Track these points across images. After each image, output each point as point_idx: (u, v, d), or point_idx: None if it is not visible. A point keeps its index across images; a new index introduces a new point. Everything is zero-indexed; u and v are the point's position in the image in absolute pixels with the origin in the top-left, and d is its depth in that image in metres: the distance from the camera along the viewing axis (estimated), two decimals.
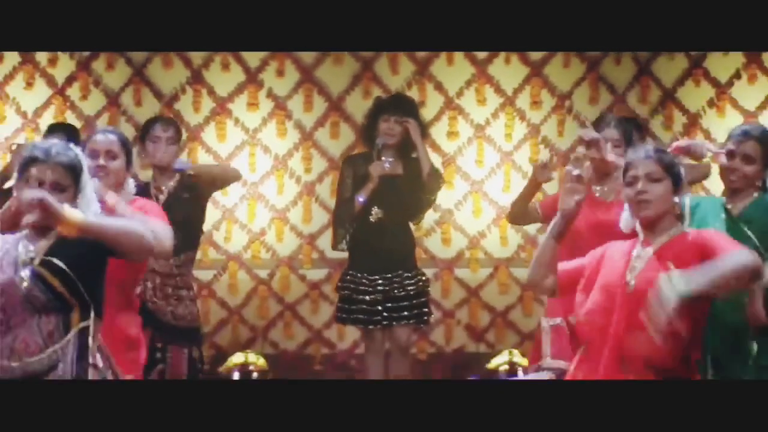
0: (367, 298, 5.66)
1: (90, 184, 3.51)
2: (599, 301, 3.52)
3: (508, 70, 6.93)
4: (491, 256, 6.96)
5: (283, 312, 6.95)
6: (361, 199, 5.65)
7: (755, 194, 4.14)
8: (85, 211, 3.37)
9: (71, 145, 3.45)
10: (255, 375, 6.34)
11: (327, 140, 6.92)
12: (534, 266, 3.64)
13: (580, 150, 4.90)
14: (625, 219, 3.64)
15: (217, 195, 6.53)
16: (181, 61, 6.88)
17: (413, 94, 6.73)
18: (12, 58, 6.78)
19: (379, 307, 5.66)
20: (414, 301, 5.70)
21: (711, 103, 6.82)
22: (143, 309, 4.56)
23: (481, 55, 6.91)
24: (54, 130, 5.61)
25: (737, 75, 6.86)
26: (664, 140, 6.45)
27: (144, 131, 5.42)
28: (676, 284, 3.28)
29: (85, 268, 3.33)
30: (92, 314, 3.35)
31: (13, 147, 5.21)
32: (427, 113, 6.61)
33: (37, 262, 3.31)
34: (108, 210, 3.86)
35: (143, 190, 4.84)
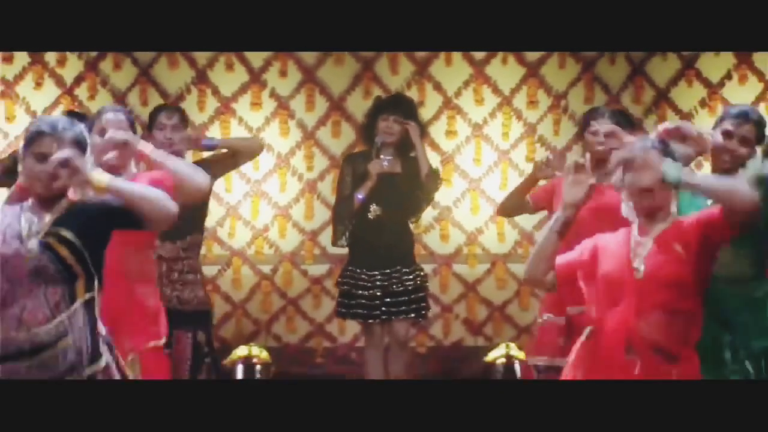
0: (367, 293, 5.69)
1: (91, 160, 3.48)
2: (605, 290, 3.55)
3: (505, 70, 6.93)
4: (489, 252, 6.96)
5: (285, 306, 6.95)
6: (360, 196, 5.67)
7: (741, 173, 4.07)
8: (85, 187, 3.35)
9: (76, 120, 3.43)
10: (258, 367, 6.34)
11: (328, 139, 6.92)
12: (534, 262, 3.63)
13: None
14: (629, 207, 3.64)
15: (221, 192, 6.67)
16: (186, 62, 6.86)
17: (412, 93, 6.72)
18: (22, 58, 6.77)
19: (378, 302, 5.67)
20: (412, 296, 5.72)
21: (703, 103, 6.84)
22: None
23: (479, 55, 6.90)
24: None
25: (728, 75, 6.85)
26: None
27: (150, 121, 5.41)
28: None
29: (91, 239, 3.32)
30: (96, 285, 3.33)
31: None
32: (426, 113, 6.63)
33: (44, 232, 3.29)
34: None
35: None
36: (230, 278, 6.89)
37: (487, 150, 6.94)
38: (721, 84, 6.87)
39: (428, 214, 6.49)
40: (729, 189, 3.53)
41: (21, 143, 3.42)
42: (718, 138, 4.06)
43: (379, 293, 5.67)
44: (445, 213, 6.91)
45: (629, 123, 5.27)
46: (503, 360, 6.39)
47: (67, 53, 6.79)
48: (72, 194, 3.37)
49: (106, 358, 3.33)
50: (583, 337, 3.64)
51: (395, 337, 5.76)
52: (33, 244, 3.27)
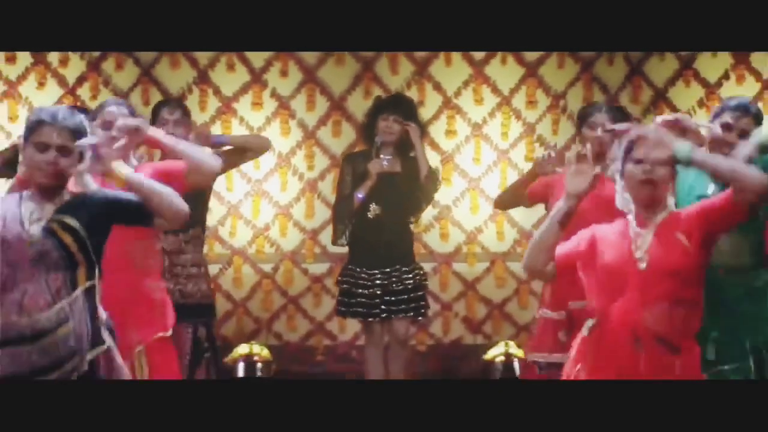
0: (366, 291, 5.70)
1: (88, 152, 3.47)
2: (606, 281, 3.54)
3: (505, 70, 6.94)
4: (488, 251, 6.98)
5: (286, 305, 6.97)
6: (359, 195, 5.68)
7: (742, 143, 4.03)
8: (85, 177, 3.42)
9: (76, 110, 3.45)
10: (259, 365, 6.29)
11: (329, 138, 6.93)
12: (534, 253, 3.58)
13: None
14: (625, 199, 3.61)
15: (222, 191, 6.69)
16: (188, 62, 6.86)
17: (412, 93, 6.73)
18: (24, 59, 6.78)
19: (378, 301, 5.68)
20: (412, 295, 5.73)
21: (701, 103, 6.84)
22: None
23: (479, 56, 6.91)
24: None
25: (726, 75, 6.86)
26: None
27: (153, 116, 5.42)
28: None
29: (93, 229, 3.35)
30: (97, 273, 3.36)
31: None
32: (425, 112, 6.65)
33: (48, 219, 3.31)
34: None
35: None
36: (231, 277, 6.89)
37: (486, 149, 6.95)
38: (719, 84, 6.88)
39: (428, 213, 6.50)
40: (740, 169, 3.52)
41: (21, 134, 3.44)
42: (717, 130, 4.07)
43: (378, 292, 5.69)
44: (444, 212, 6.93)
45: (625, 118, 5.27)
46: (502, 358, 6.34)
47: (70, 54, 6.80)
48: (72, 185, 3.40)
49: (108, 342, 3.36)
50: (584, 332, 3.63)
51: (395, 335, 5.77)
52: (36, 230, 3.30)
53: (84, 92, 6.83)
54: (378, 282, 5.69)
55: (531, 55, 6.94)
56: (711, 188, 4.01)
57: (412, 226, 5.93)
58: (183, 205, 3.43)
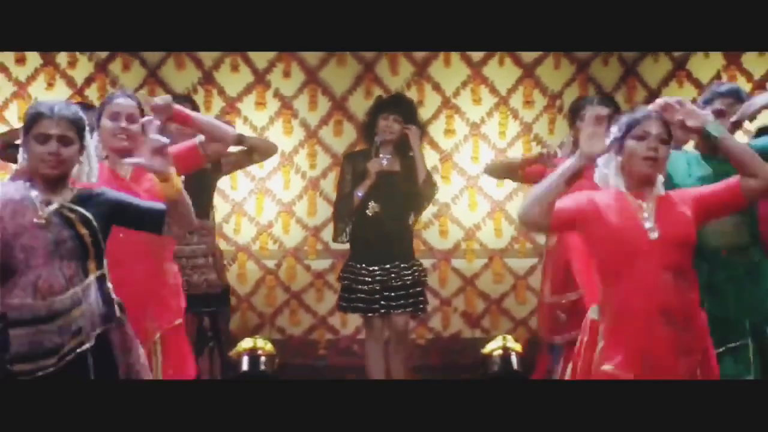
0: (366, 287, 5.73)
1: (92, 142, 3.57)
2: (616, 247, 3.52)
3: (502, 71, 6.96)
4: (486, 247, 7.02)
5: (289, 300, 7.03)
6: (359, 194, 5.71)
7: None
8: (87, 167, 3.47)
9: (72, 102, 3.48)
10: (263, 359, 6.32)
11: (331, 138, 6.97)
12: (534, 204, 3.49)
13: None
14: (609, 175, 3.60)
15: (226, 189, 6.73)
16: (193, 63, 6.90)
17: (412, 94, 6.77)
18: (34, 60, 6.81)
19: (378, 296, 5.72)
20: (411, 291, 5.76)
21: (693, 103, 6.94)
22: None
23: (477, 57, 6.93)
24: None
25: (718, 76, 6.87)
26: None
27: None
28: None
29: (102, 223, 3.40)
30: (105, 264, 3.41)
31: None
32: (425, 112, 6.70)
33: (66, 209, 3.36)
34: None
35: None
36: (236, 273, 6.90)
37: (484, 148, 6.99)
38: (711, 84, 6.74)
39: (427, 211, 6.50)
40: (759, 159, 3.59)
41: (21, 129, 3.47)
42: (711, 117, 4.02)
43: (378, 288, 5.73)
44: (443, 209, 6.97)
45: (616, 109, 5.29)
46: (500, 351, 6.40)
47: (78, 55, 6.84)
48: (74, 178, 3.45)
49: (119, 315, 3.43)
50: (593, 315, 3.63)
51: (395, 330, 5.82)
52: (52, 218, 3.35)
53: (92, 93, 6.86)
54: (377, 278, 5.73)
55: (528, 56, 6.96)
56: (707, 170, 4.04)
57: (411, 224, 5.92)
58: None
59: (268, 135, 6.89)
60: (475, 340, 6.91)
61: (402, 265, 5.76)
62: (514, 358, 6.38)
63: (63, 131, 3.36)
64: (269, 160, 6.59)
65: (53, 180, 3.40)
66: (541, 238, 6.84)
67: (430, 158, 6.80)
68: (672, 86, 6.96)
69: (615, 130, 3.63)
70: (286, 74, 6.97)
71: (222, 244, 6.80)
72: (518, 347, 6.44)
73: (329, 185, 6.85)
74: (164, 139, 3.43)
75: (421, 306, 5.88)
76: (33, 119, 3.39)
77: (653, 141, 3.55)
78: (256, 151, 5.45)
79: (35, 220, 3.33)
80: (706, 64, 6.96)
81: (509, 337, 6.57)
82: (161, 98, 4.23)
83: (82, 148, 3.44)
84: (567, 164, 3.51)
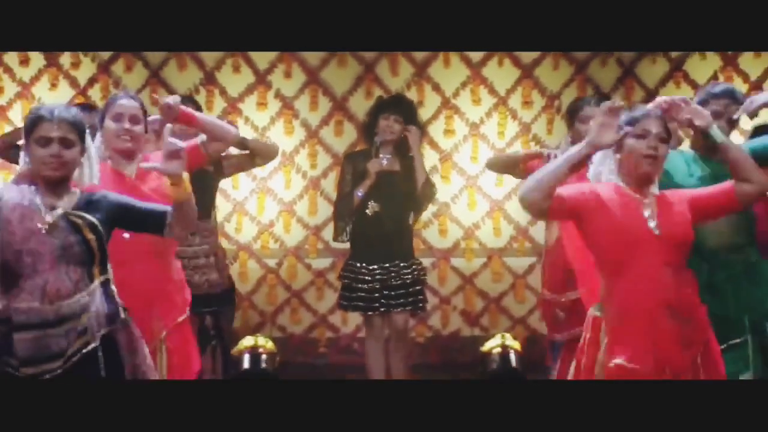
0: (366, 286, 5.75)
1: (93, 144, 3.57)
2: (620, 241, 3.52)
3: (501, 72, 6.99)
4: (485, 247, 7.05)
5: (290, 298, 7.06)
6: (359, 193, 5.73)
7: None
8: (88, 169, 3.48)
9: (74, 105, 3.52)
10: (264, 357, 6.31)
11: (331, 138, 7.00)
12: (535, 187, 3.47)
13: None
14: (602, 172, 3.62)
15: (228, 189, 6.73)
16: (195, 64, 6.92)
17: (412, 94, 6.80)
18: (37, 61, 6.83)
19: (377, 295, 5.74)
20: (410, 290, 5.78)
21: None
22: None
23: (476, 58, 6.96)
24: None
25: (715, 77, 6.88)
26: None
27: None
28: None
29: (107, 227, 3.42)
30: (109, 268, 3.43)
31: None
32: (425, 113, 6.73)
33: (72, 215, 3.37)
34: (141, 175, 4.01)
35: None
36: (237, 272, 6.90)
37: (483, 148, 7.02)
38: (706, 86, 6.90)
39: (427, 210, 6.45)
40: (755, 166, 3.65)
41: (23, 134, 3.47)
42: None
43: (377, 286, 5.74)
44: (443, 209, 6.99)
45: None
46: (499, 349, 6.41)
47: (81, 56, 6.86)
48: (75, 180, 3.47)
49: (124, 317, 3.46)
50: (596, 313, 3.63)
51: (395, 328, 5.84)
52: (58, 223, 3.36)
53: (95, 93, 6.88)
54: (377, 277, 5.75)
55: (527, 57, 6.98)
56: (706, 170, 4.04)
57: (411, 223, 5.93)
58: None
59: (269, 135, 6.94)
60: (474, 338, 6.94)
61: (402, 264, 5.79)
62: (512, 356, 6.39)
63: (64, 133, 3.38)
64: None
65: (56, 182, 3.42)
66: (539, 238, 6.91)
67: (429, 158, 6.85)
68: (669, 87, 6.98)
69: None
70: (287, 75, 6.99)
71: (223, 243, 6.77)
72: (517, 345, 6.45)
73: (330, 185, 6.86)
74: (181, 144, 3.46)
75: (421, 304, 5.90)
76: (33, 123, 3.41)
77: (653, 140, 3.56)
78: (258, 155, 5.46)
79: (42, 225, 3.35)
80: (702, 65, 6.99)
81: (508, 335, 6.59)
82: (171, 98, 4.26)
83: (83, 149, 3.46)
84: (573, 151, 3.52)
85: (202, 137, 4.27)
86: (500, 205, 7.07)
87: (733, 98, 4.17)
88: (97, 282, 3.41)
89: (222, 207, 6.75)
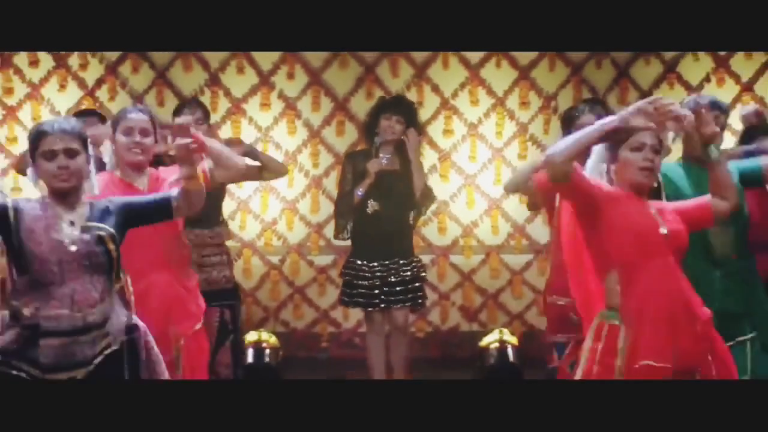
0: (366, 283, 5.81)
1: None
2: (633, 239, 3.53)
3: (499, 73, 7.04)
4: (483, 244, 7.11)
5: (293, 294, 7.12)
6: (359, 192, 5.78)
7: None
8: (92, 178, 3.49)
9: (70, 116, 3.52)
10: (267, 351, 6.36)
11: (333, 138, 7.05)
12: (562, 147, 3.46)
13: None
14: (599, 173, 3.63)
15: (232, 187, 6.69)
16: (200, 65, 6.96)
17: (412, 95, 6.86)
18: (46, 63, 6.87)
19: (377, 292, 5.79)
20: (409, 286, 5.84)
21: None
22: None
23: (474, 59, 7.01)
24: (80, 115, 5.51)
25: (707, 78, 6.99)
26: None
27: (174, 116, 5.43)
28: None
29: (121, 234, 3.45)
30: (122, 275, 3.48)
31: None
32: (424, 113, 6.79)
33: (93, 227, 3.38)
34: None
35: None
36: (241, 268, 6.96)
37: (481, 148, 7.09)
38: (701, 86, 6.99)
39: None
40: (734, 189, 3.77)
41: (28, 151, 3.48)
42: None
43: (377, 283, 5.80)
44: (442, 207, 7.03)
45: (607, 112, 5.36)
46: (497, 344, 6.44)
47: (89, 58, 6.91)
48: (86, 191, 3.52)
49: (139, 323, 3.54)
50: (612, 321, 3.58)
51: (395, 324, 5.90)
52: (84, 235, 3.40)
53: (102, 94, 6.93)
54: (377, 274, 5.80)
55: (524, 59, 7.03)
56: (702, 181, 4.03)
57: (410, 222, 5.96)
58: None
59: (272, 135, 7.00)
60: (472, 334, 6.97)
61: (401, 262, 5.84)
62: (510, 351, 6.42)
63: (67, 144, 3.39)
64: (275, 158, 6.51)
65: (67, 194, 3.44)
66: (536, 235, 7.03)
67: (429, 157, 6.94)
68: (663, 88, 7.03)
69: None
70: (290, 76, 7.03)
71: (228, 241, 6.76)
72: (514, 340, 6.50)
73: (331, 184, 6.90)
74: (188, 139, 3.50)
75: (420, 301, 5.95)
76: (37, 139, 3.43)
77: (649, 152, 3.59)
78: (266, 169, 5.47)
79: (67, 237, 3.37)
80: (695, 67, 7.05)
81: (505, 330, 6.63)
82: (184, 118, 4.26)
83: (88, 158, 3.47)
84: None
85: (210, 163, 4.25)
86: (498, 203, 7.13)
87: (721, 109, 4.25)
88: (115, 290, 3.49)
89: (227, 205, 6.69)
